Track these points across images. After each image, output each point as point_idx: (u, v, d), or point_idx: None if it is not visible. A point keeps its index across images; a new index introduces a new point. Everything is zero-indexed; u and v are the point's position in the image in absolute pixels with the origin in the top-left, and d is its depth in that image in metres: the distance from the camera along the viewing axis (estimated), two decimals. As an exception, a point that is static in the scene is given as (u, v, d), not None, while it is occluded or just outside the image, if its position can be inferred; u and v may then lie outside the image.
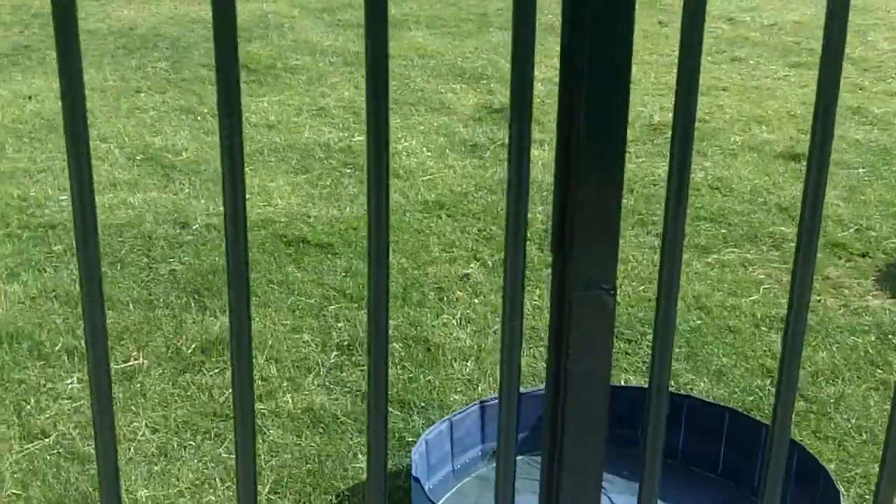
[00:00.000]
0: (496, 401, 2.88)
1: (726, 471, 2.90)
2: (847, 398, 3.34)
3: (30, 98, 5.95)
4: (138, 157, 5.12)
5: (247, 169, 4.95)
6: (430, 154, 5.29)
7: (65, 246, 4.20)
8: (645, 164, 5.20)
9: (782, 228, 4.54)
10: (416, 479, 2.58)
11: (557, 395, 1.13)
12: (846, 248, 4.38)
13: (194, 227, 4.39)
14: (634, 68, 5.70)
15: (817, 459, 2.72)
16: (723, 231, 4.50)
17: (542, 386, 3.18)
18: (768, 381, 3.40)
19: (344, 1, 8.29)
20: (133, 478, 2.86)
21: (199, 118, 5.68)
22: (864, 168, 5.21)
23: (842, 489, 2.67)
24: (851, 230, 4.54)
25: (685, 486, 2.85)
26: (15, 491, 2.78)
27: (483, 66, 6.71)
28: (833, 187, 4.98)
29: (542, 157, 5.09)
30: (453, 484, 2.85)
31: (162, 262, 4.10)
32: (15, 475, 2.85)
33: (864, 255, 4.33)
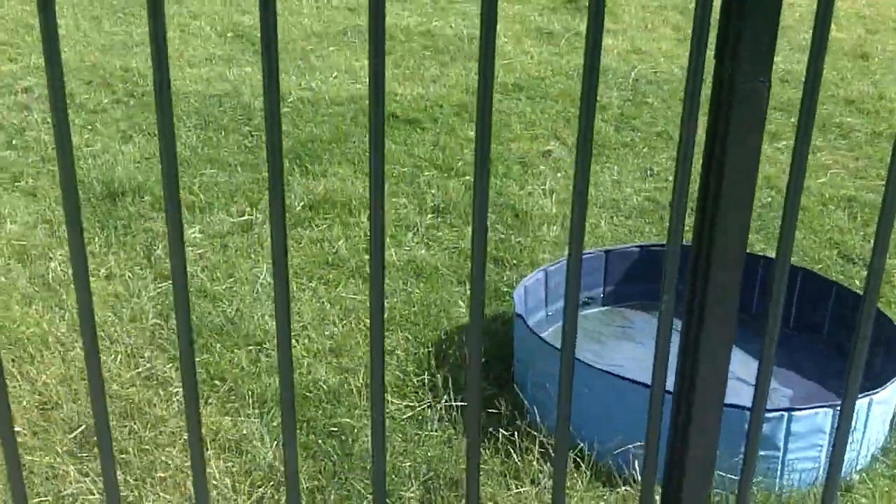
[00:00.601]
0: (587, 254, 3.24)
1: (798, 325, 3.22)
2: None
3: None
4: (229, 35, 5.43)
5: (331, 49, 5.30)
6: (506, 40, 5.57)
7: (171, 113, 4.53)
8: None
9: (849, 119, 4.80)
10: (519, 315, 2.93)
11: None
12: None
13: (289, 101, 4.71)
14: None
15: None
16: (792, 120, 4.77)
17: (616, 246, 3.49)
18: (835, 252, 3.71)
19: None
20: (260, 313, 3.23)
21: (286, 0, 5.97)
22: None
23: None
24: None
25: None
26: (157, 321, 3.17)
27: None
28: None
29: (617, 46, 5.35)
30: (547, 326, 3.19)
31: (263, 131, 4.44)
32: (155, 308, 3.23)
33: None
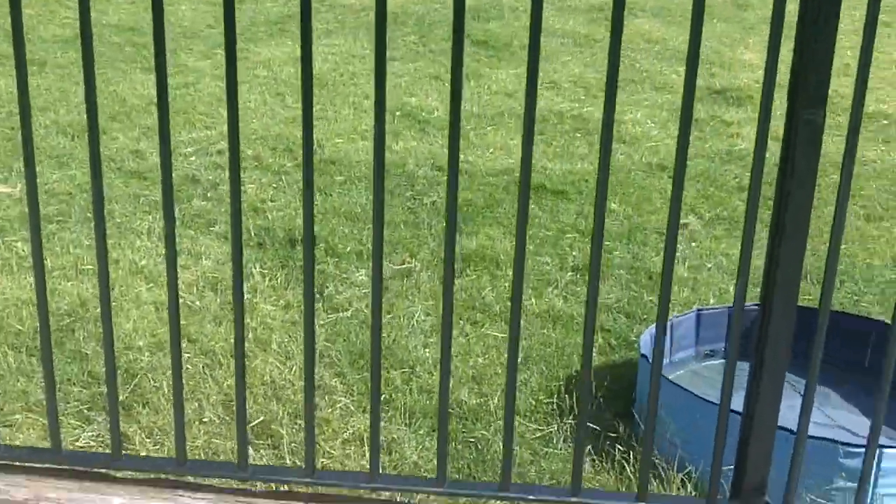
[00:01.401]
0: (712, 310, 3.69)
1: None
2: None
3: (292, 60, 7.04)
4: (397, 113, 6.09)
5: (489, 128, 5.91)
6: (653, 125, 6.06)
7: (344, 177, 5.19)
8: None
9: None
10: (644, 356, 3.37)
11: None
12: None
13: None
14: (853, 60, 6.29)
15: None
16: (923, 206, 5.09)
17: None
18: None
19: (573, -11, 9.11)
20: (413, 344, 3.76)
21: (446, 84, 6.62)
22: None
23: None
24: None
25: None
26: (326, 343, 3.73)
27: (706, 52, 7.40)
28: None
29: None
30: (670, 372, 3.61)
31: (424, 195, 5.03)
32: (324, 333, 3.80)
33: None
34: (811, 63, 1.72)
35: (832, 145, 5.88)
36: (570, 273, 4.33)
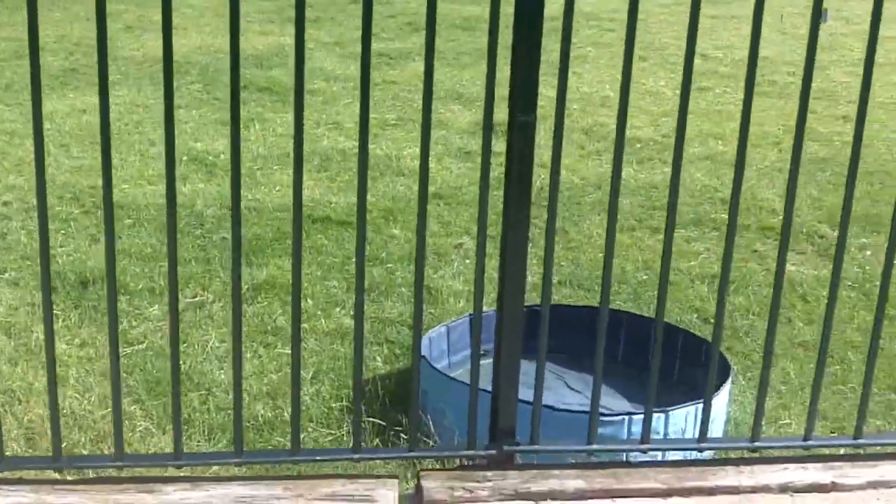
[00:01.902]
0: (486, 313, 4.09)
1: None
2: (756, 328, 4.51)
3: (84, 111, 7.17)
4: (184, 158, 6.32)
5: (275, 167, 6.19)
6: (430, 158, 6.50)
7: (133, 220, 5.39)
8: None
9: (723, 215, 5.73)
10: (424, 357, 3.73)
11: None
12: (774, 230, 5.58)
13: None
14: (614, 92, 7.02)
15: (723, 355, 3.86)
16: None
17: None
18: (695, 316, 4.58)
19: (352, 36, 9.56)
20: (209, 368, 4.01)
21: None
22: (801, 174, 6.41)
23: (733, 366, 3.83)
24: (781, 218, 5.74)
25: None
26: (124, 374, 3.93)
27: (478, 91, 7.95)
28: (773, 187, 6.21)
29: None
30: (450, 371, 3.99)
31: (213, 233, 5.29)
32: (122, 365, 3.99)
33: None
34: (523, 80, 2.16)
35: (591, 168, 6.49)
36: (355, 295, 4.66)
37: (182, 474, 2.42)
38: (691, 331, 4.16)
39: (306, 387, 3.91)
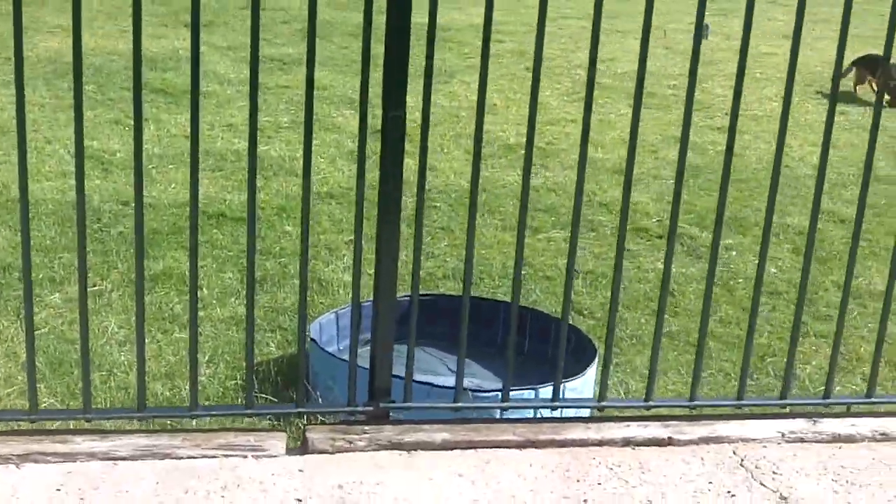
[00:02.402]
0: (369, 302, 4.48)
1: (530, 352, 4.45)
2: (627, 321, 4.95)
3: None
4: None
5: (170, 166, 6.47)
6: (322, 159, 6.86)
7: (32, 213, 5.61)
8: (498, 172, 6.85)
9: (600, 217, 6.20)
10: (314, 340, 4.08)
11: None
12: (647, 231, 6.06)
13: (132, 205, 5.84)
14: (500, 101, 7.51)
15: (590, 339, 4.29)
16: (552, 218, 6.15)
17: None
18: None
19: (245, 41, 9.82)
20: (110, 352, 4.29)
21: (126, 128, 7.14)
22: (672, 180, 6.94)
23: (597, 345, 4.25)
24: (654, 220, 6.24)
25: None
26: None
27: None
28: (648, 192, 6.70)
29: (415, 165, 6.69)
30: (341, 354, 4.33)
31: (111, 227, 5.55)
32: (24, 351, 4.26)
33: (660, 237, 6.01)
34: (393, 81, 2.54)
35: (486, 172, 6.91)
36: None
37: (90, 427, 2.74)
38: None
39: (203, 368, 4.22)
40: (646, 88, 8.26)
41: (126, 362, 4.22)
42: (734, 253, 5.90)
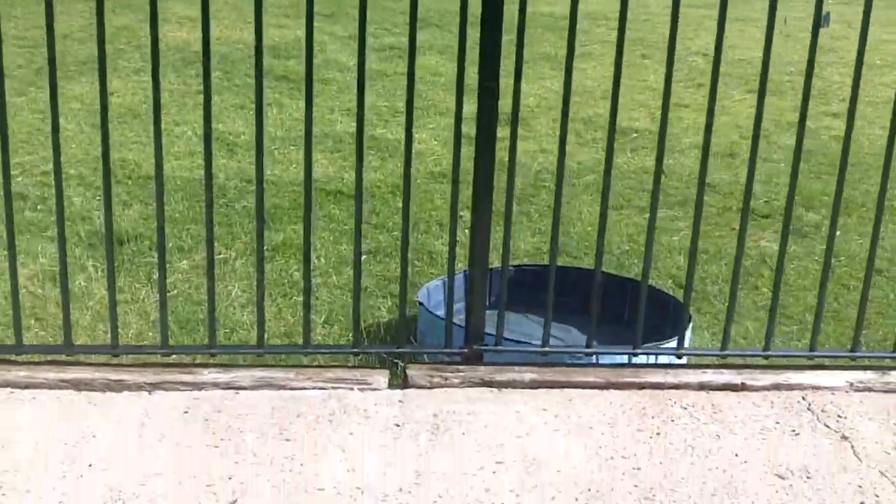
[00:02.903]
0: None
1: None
2: (724, 293, 5.18)
3: (112, 94, 7.90)
4: (207, 137, 7.03)
5: (291, 147, 6.90)
6: (436, 143, 7.21)
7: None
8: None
9: (706, 198, 6.40)
10: (421, 303, 4.43)
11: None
12: (755, 212, 6.25)
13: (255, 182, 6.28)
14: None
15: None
16: (664, 198, 6.38)
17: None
18: (671, 282, 5.26)
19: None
20: (234, 313, 4.71)
21: (250, 112, 7.61)
22: (784, 163, 7.09)
23: (694, 317, 4.50)
24: (762, 201, 6.42)
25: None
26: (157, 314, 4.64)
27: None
28: (757, 173, 6.87)
29: (528, 147, 7.00)
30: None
31: (235, 202, 6.00)
32: (155, 311, 4.70)
33: (766, 217, 6.21)
34: (488, 55, 2.86)
35: (587, 154, 7.18)
36: (365, 256, 5.37)
37: (214, 361, 3.13)
38: (660, 288, 4.83)
39: (319, 328, 4.61)
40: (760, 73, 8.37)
41: (248, 322, 4.62)
42: (838, 233, 6.04)
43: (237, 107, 7.86)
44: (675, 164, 7.01)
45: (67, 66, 8.74)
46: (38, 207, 5.80)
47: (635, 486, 2.61)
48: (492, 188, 2.97)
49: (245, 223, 5.71)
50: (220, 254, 5.31)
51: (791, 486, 2.62)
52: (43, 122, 7.29)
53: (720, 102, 8.57)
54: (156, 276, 5.03)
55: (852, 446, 2.79)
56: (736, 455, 2.74)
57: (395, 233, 5.70)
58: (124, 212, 5.82)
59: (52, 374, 3.02)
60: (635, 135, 7.52)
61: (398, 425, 2.83)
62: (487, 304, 4.04)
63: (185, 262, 5.21)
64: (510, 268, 4.96)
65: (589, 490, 2.58)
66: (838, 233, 6.19)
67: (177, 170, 6.49)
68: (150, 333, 4.47)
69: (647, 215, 6.28)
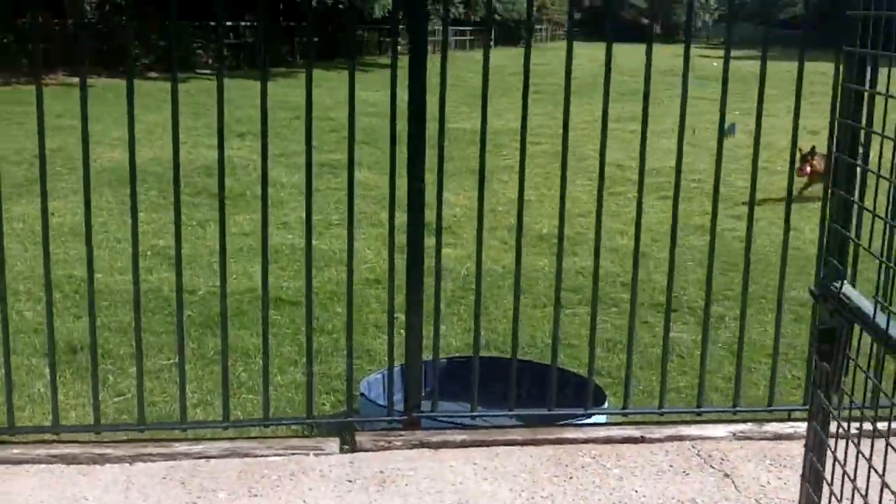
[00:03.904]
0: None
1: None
2: (640, 378, 5.85)
3: (52, 214, 8.49)
4: (149, 253, 7.65)
5: (231, 259, 7.52)
6: (370, 251, 7.87)
7: (108, 302, 6.67)
8: (530, 258, 7.82)
9: (622, 295, 7.12)
10: (363, 394, 5.03)
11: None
12: (662, 305, 6.98)
13: (199, 293, 6.88)
14: (535, 196, 8.54)
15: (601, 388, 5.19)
16: (578, 296, 7.08)
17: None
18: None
19: (295, 149, 11.02)
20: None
21: (189, 227, 8.25)
22: (691, 262, 7.86)
23: (608, 395, 5.15)
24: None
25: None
26: (114, 415, 5.17)
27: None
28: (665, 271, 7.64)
29: (456, 254, 7.68)
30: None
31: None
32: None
33: (675, 310, 6.93)
34: (415, 160, 3.53)
35: (511, 259, 7.87)
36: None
37: (184, 436, 3.70)
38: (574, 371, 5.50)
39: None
40: (670, 181, 9.38)
41: (201, 415, 5.18)
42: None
43: (173, 223, 8.47)
44: (591, 266, 7.73)
45: (5, 187, 9.32)
46: (-7, 321, 6.32)
47: (552, 518, 3.22)
48: (422, 291, 3.61)
49: (191, 330, 6.28)
50: (168, 359, 5.88)
51: (681, 514, 3.25)
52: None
53: (633, 209, 9.43)
54: (111, 381, 5.60)
55: (733, 482, 3.43)
56: (636, 491, 3.36)
57: (335, 335, 6.32)
58: (75, 323, 6.36)
59: (42, 451, 3.56)
60: (554, 240, 8.25)
61: (350, 481, 3.41)
62: (423, 393, 4.65)
63: (133, 368, 5.76)
64: (442, 360, 5.61)
65: (513, 522, 3.19)
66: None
67: (120, 283, 7.06)
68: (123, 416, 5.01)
69: (568, 311, 7.02)
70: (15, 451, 3.60)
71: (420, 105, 3.59)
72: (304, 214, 8.42)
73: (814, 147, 9.60)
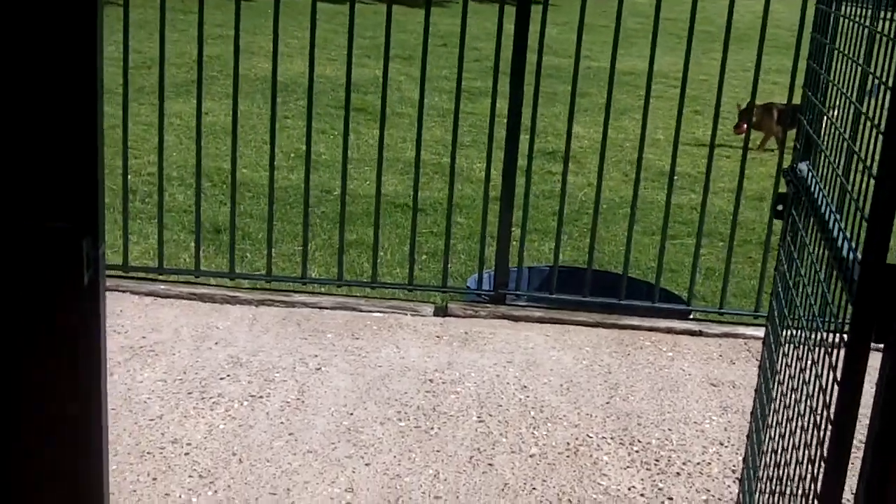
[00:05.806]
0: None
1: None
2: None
3: (206, 113, 9.37)
4: (292, 155, 8.45)
5: (365, 168, 8.29)
6: (495, 172, 8.54)
7: (252, 193, 7.49)
8: (647, 192, 8.39)
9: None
10: (468, 287, 5.73)
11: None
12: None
13: (334, 193, 7.66)
14: (664, 136, 9.24)
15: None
16: (688, 229, 7.63)
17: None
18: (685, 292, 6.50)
19: (438, 74, 11.72)
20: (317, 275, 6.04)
21: (330, 136, 9.04)
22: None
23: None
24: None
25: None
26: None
27: (543, 124, 9.97)
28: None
29: (578, 181, 8.29)
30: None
31: (315, 208, 7.37)
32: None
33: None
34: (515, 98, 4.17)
35: (629, 190, 8.44)
36: (420, 256, 6.69)
37: (303, 288, 4.45)
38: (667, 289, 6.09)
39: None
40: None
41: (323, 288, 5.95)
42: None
43: (318, 131, 9.27)
44: (708, 204, 8.25)
45: (166, 88, 10.25)
46: (146, 200, 7.22)
47: (605, 381, 3.86)
48: (512, 199, 4.24)
49: (323, 223, 7.06)
50: (299, 246, 6.67)
51: (719, 390, 3.84)
52: (147, 133, 8.78)
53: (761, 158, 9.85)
54: (249, 258, 6.42)
55: (772, 372, 4.03)
56: (682, 370, 3.98)
57: (453, 240, 7.01)
58: (220, 208, 7.21)
59: (184, 289, 4.36)
60: (676, 177, 8.78)
61: (438, 337, 4.12)
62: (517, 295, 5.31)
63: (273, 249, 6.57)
64: (545, 266, 6.27)
65: (571, 381, 3.84)
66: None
67: (264, 178, 7.88)
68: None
69: (676, 241, 7.58)
70: (162, 287, 4.41)
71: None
72: (438, 133, 9.17)
73: (749, 102, 9.91)
